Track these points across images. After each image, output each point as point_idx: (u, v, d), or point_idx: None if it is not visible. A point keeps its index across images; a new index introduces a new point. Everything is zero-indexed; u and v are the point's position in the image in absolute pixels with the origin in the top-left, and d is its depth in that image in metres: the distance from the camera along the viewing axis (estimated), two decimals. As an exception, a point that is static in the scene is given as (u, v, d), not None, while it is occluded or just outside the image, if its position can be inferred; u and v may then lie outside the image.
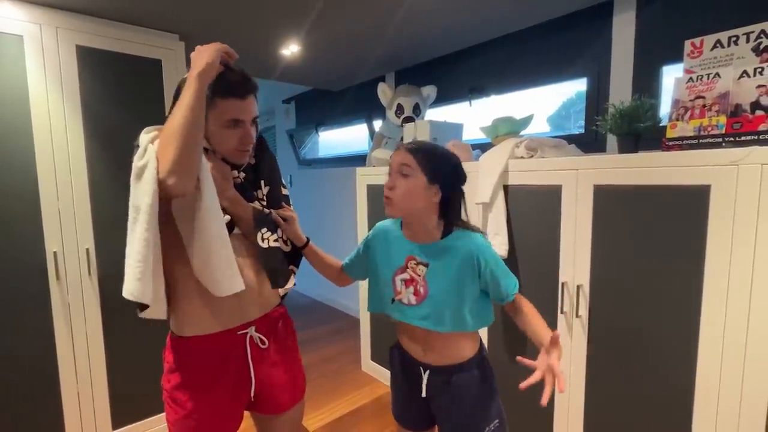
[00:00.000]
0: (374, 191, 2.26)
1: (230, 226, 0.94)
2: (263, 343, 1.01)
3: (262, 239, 0.98)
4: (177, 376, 0.94)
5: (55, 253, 1.58)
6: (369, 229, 2.34)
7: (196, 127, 0.78)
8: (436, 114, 2.60)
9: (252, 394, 1.00)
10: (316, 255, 1.12)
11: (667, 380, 1.19)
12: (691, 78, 1.21)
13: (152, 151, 0.80)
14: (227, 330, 0.96)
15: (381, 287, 1.06)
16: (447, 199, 0.95)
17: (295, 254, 1.10)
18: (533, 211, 1.50)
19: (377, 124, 2.91)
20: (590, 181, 1.31)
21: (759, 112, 1.08)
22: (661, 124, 1.41)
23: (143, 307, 0.86)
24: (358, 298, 2.52)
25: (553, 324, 1.45)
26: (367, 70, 2.70)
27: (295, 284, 1.02)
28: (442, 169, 0.95)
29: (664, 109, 1.56)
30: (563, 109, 2.10)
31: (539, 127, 2.15)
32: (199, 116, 0.79)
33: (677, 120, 1.23)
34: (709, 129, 1.16)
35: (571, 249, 1.38)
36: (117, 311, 1.74)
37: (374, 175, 2.26)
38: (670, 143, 1.23)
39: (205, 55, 0.81)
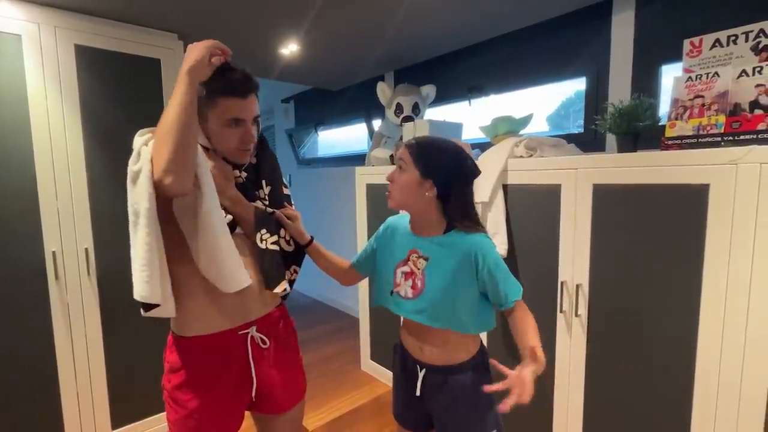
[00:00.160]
0: (374, 190, 2.26)
1: (232, 226, 0.94)
2: (264, 343, 1.01)
3: (261, 240, 0.98)
4: (178, 376, 0.94)
5: (54, 252, 1.57)
6: (369, 228, 2.36)
7: (188, 124, 0.78)
8: (436, 113, 2.60)
9: (253, 394, 1.00)
10: (319, 253, 1.13)
11: (667, 379, 1.20)
12: (690, 77, 1.21)
13: (146, 154, 0.80)
14: (229, 330, 0.96)
15: (384, 279, 1.08)
16: (446, 194, 0.95)
17: (298, 254, 1.10)
18: (532, 211, 1.50)
19: (376, 123, 2.91)
20: (589, 180, 1.32)
21: (758, 111, 1.08)
22: (660, 124, 1.41)
23: (148, 307, 0.86)
24: (357, 297, 2.52)
25: (552, 323, 1.45)
26: (367, 69, 2.70)
27: (286, 290, 0.99)
28: (437, 164, 0.95)
29: (663, 108, 1.56)
30: (562, 108, 2.10)
31: (538, 126, 2.15)
32: (191, 113, 0.79)
33: (676, 119, 1.23)
34: (708, 128, 1.16)
35: (570, 248, 1.38)
36: (116, 311, 1.74)
37: (373, 174, 2.26)
38: (669, 142, 1.23)
39: (194, 53, 0.80)
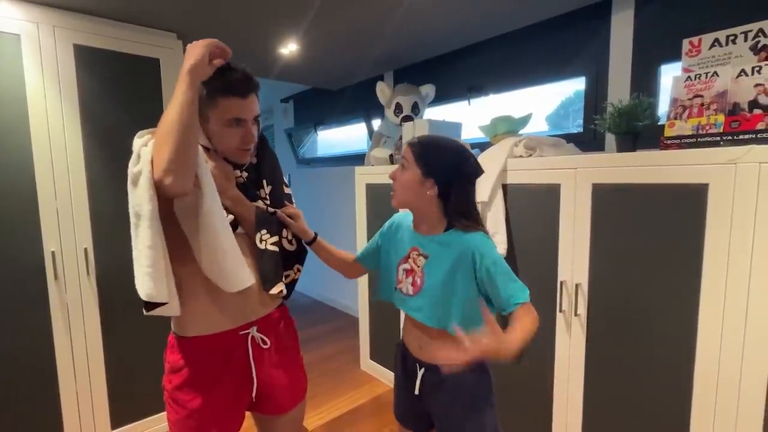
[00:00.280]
0: (373, 190, 2.26)
1: (233, 226, 0.94)
2: (265, 343, 1.01)
3: (260, 240, 0.98)
4: (179, 376, 0.94)
5: (53, 252, 1.57)
6: (368, 228, 2.35)
7: (189, 124, 0.78)
8: (435, 113, 2.60)
9: (254, 395, 1.00)
10: (324, 249, 1.14)
11: (666, 378, 1.20)
12: (689, 77, 1.22)
13: (146, 155, 0.80)
14: (230, 330, 0.96)
15: (388, 274, 1.09)
16: (447, 193, 0.95)
17: (300, 253, 1.10)
18: (532, 210, 1.50)
19: (376, 123, 2.91)
20: (589, 179, 1.32)
21: (757, 111, 1.09)
22: (659, 123, 1.41)
23: (150, 306, 0.85)
24: (357, 297, 2.52)
25: (552, 323, 1.45)
26: (366, 69, 2.70)
27: (282, 292, 0.99)
28: (438, 163, 0.95)
29: (663, 107, 1.56)
30: (562, 108, 2.10)
31: (538, 126, 2.15)
32: (192, 113, 0.79)
33: (675, 119, 1.23)
34: (707, 128, 1.16)
35: (569, 248, 1.39)
36: (115, 311, 1.73)
37: (373, 174, 2.26)
38: (669, 142, 1.23)
39: (194, 52, 0.80)
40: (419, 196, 0.96)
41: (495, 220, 1.56)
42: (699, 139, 1.17)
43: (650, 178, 1.18)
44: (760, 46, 1.14)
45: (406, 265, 1.03)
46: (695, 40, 1.25)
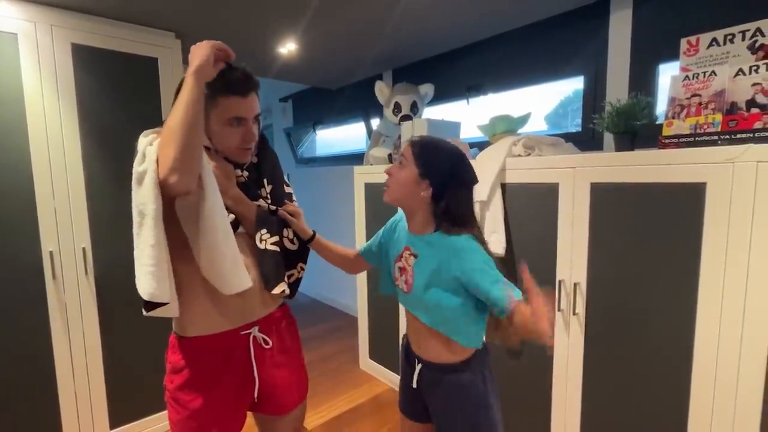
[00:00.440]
0: (372, 189, 2.26)
1: (234, 225, 0.94)
2: (267, 343, 1.01)
3: (260, 240, 0.98)
4: (180, 376, 0.94)
5: (51, 252, 1.57)
6: (367, 227, 2.35)
7: (195, 124, 0.78)
8: (434, 112, 2.60)
9: (255, 395, 1.00)
10: (323, 246, 1.15)
11: (664, 376, 1.20)
12: (687, 76, 1.22)
13: (151, 154, 0.80)
14: (231, 330, 0.96)
15: (389, 270, 1.11)
16: (440, 196, 0.95)
17: (303, 251, 1.10)
18: (531, 209, 1.50)
19: (375, 122, 2.91)
20: (587, 179, 1.32)
21: (754, 110, 1.09)
22: (657, 122, 1.41)
23: (150, 306, 0.85)
24: (356, 297, 2.52)
25: (550, 321, 1.45)
26: (365, 68, 2.70)
27: (284, 291, 0.99)
28: (436, 166, 0.95)
29: (661, 107, 1.57)
30: (560, 107, 2.11)
31: (537, 125, 2.15)
32: (198, 113, 0.79)
33: (673, 118, 1.23)
34: (705, 127, 1.16)
35: (568, 247, 1.39)
36: (114, 310, 1.73)
37: (372, 173, 2.26)
38: (667, 141, 1.23)
39: (199, 53, 0.81)
40: (413, 195, 0.96)
41: (494, 220, 1.57)
42: (697, 138, 1.17)
43: (648, 177, 1.18)
44: (757, 45, 1.15)
45: (400, 263, 1.05)
46: (693, 39, 1.26)
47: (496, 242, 1.54)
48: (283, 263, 1.02)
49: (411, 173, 0.96)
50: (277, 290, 0.98)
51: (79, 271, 1.64)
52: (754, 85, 1.10)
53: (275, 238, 1.00)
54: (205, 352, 0.94)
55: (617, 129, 1.40)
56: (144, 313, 0.87)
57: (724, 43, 1.20)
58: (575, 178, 1.35)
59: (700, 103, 1.18)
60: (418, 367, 1.05)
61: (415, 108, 2.28)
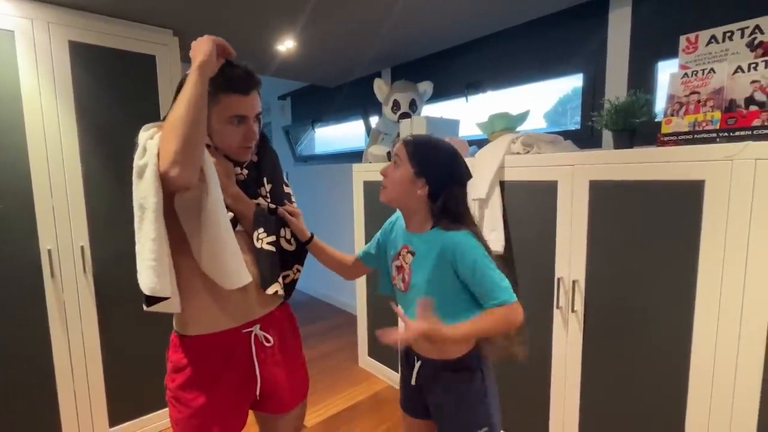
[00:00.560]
0: (371, 187, 2.26)
1: (233, 223, 0.93)
2: (268, 341, 1.00)
3: (257, 239, 0.98)
4: (181, 375, 0.94)
5: (49, 250, 1.57)
6: (366, 226, 2.35)
7: (197, 118, 0.78)
8: (433, 110, 2.60)
9: (257, 393, 1.00)
10: (320, 249, 1.15)
11: (663, 373, 1.21)
12: (686, 73, 1.22)
13: (152, 148, 0.79)
14: (233, 328, 0.96)
15: (388, 270, 1.11)
16: (436, 194, 0.96)
17: (300, 252, 1.10)
18: (529, 207, 1.50)
19: (373, 120, 2.90)
20: (586, 176, 1.32)
21: (753, 108, 1.09)
22: (656, 120, 1.41)
23: (151, 301, 0.85)
24: (355, 294, 2.52)
25: (549, 319, 1.46)
26: (363, 65, 2.69)
27: (278, 292, 0.98)
28: (431, 164, 0.96)
29: (659, 104, 1.57)
30: (559, 105, 2.11)
31: (535, 122, 2.15)
32: (202, 109, 0.79)
33: (672, 115, 1.23)
34: (704, 124, 1.16)
35: (566, 244, 1.39)
36: (113, 308, 1.73)
37: (371, 171, 2.26)
38: (665, 138, 1.23)
39: (202, 48, 0.81)
40: (409, 194, 0.97)
41: (492, 217, 1.57)
42: (695, 136, 1.17)
43: (647, 175, 1.19)
44: (756, 42, 1.15)
45: (397, 262, 1.05)
46: (692, 36, 1.26)
47: (495, 240, 1.54)
48: (279, 264, 1.01)
49: (406, 172, 0.96)
50: (270, 290, 0.98)
51: (78, 269, 1.64)
52: (752, 82, 1.10)
53: (272, 238, 0.99)
54: (206, 350, 0.94)
55: (616, 126, 1.40)
56: (145, 308, 0.86)
57: (723, 41, 1.20)
58: (574, 176, 1.35)
59: (698, 101, 1.18)
60: (417, 365, 1.06)
61: (413, 106, 2.27)
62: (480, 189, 1.57)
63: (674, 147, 1.16)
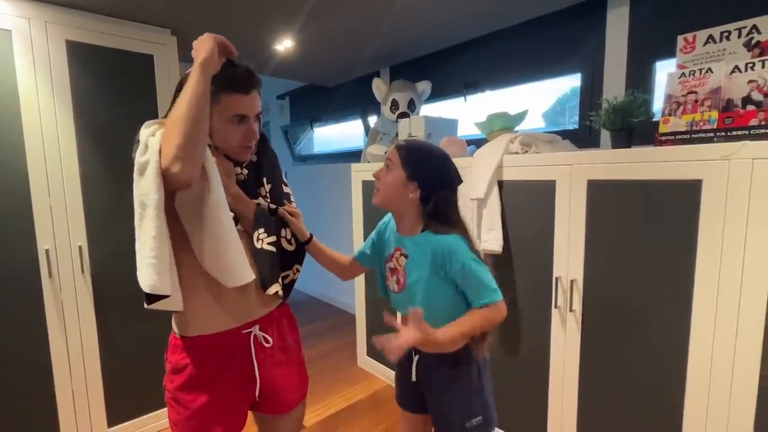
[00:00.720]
0: (369, 187, 2.26)
1: (234, 223, 0.93)
2: (267, 341, 1.00)
3: (257, 239, 0.98)
4: (180, 376, 0.93)
5: (47, 250, 1.56)
6: (365, 225, 2.36)
7: (200, 116, 0.78)
8: (431, 109, 2.60)
9: (257, 394, 0.99)
10: (319, 250, 1.15)
11: (660, 372, 1.21)
12: (683, 73, 1.22)
13: (154, 144, 0.79)
14: (232, 329, 0.95)
15: (382, 272, 1.13)
16: (428, 198, 0.98)
17: (299, 252, 1.10)
18: (528, 206, 1.50)
19: (372, 119, 2.90)
20: (584, 176, 1.32)
21: (750, 107, 1.09)
22: (653, 119, 1.42)
23: (152, 299, 0.84)
24: (353, 294, 2.52)
25: (547, 318, 1.46)
26: (362, 65, 2.69)
27: (278, 293, 0.98)
28: (423, 168, 0.98)
29: (657, 104, 1.57)
30: (557, 104, 2.11)
31: (534, 122, 2.15)
32: (204, 107, 0.79)
33: (670, 115, 1.24)
34: (701, 124, 1.16)
35: (565, 244, 1.39)
36: (111, 308, 1.73)
37: (369, 171, 2.25)
38: (663, 138, 1.24)
39: (204, 46, 0.81)
40: (401, 197, 0.99)
41: (491, 217, 1.57)
42: (693, 135, 1.18)
43: (645, 175, 1.19)
44: (753, 42, 1.15)
45: (391, 264, 1.06)
46: (689, 36, 1.26)
47: (494, 239, 1.54)
48: (279, 264, 1.01)
49: (399, 175, 0.98)
50: (270, 291, 0.97)
51: (76, 268, 1.64)
52: (750, 82, 1.10)
53: (272, 238, 0.99)
54: (206, 351, 0.94)
55: (614, 126, 1.40)
56: (145, 306, 0.86)
57: (721, 41, 1.21)
58: (572, 175, 1.35)
59: (696, 100, 1.19)
60: (415, 359, 1.08)
61: (412, 105, 2.27)
62: (478, 188, 1.57)
63: (672, 146, 1.17)
